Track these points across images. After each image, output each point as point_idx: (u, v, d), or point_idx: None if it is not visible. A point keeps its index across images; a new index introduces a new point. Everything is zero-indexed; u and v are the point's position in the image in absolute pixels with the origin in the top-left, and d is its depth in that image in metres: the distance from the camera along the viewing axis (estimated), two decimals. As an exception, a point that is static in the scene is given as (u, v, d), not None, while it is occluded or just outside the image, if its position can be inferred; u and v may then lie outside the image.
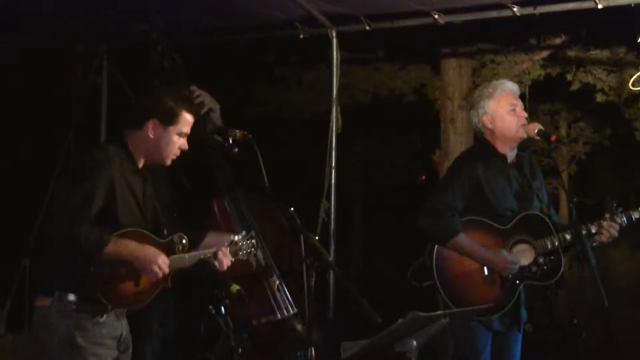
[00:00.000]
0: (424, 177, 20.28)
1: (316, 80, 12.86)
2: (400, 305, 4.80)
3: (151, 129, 4.74)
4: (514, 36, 10.73)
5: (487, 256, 5.73)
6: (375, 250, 20.38)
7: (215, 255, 4.86)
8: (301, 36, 7.61)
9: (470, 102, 6.12)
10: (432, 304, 5.71)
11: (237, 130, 5.55)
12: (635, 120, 13.51)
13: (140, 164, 4.82)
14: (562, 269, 5.82)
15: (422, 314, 4.39)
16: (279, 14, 7.34)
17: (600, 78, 11.66)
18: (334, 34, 7.60)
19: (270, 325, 5.82)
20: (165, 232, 4.79)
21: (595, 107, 13.20)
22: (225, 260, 4.89)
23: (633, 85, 10.41)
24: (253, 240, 5.07)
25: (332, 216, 7.56)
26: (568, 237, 5.74)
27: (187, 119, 4.83)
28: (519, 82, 11.04)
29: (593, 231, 5.75)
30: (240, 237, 5.03)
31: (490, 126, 5.88)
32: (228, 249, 4.94)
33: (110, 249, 4.42)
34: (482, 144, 5.98)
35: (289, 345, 5.75)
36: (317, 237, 4.94)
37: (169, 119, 4.76)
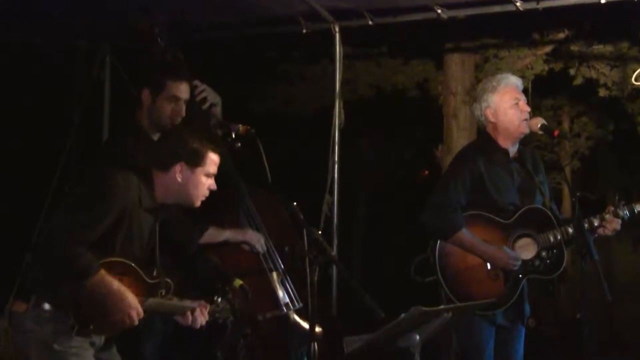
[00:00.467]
0: (426, 172, 20.26)
1: (319, 75, 12.86)
2: (403, 300, 4.81)
3: (178, 172, 4.70)
4: (517, 31, 10.72)
5: (489, 252, 5.73)
6: (378, 245, 20.38)
7: (192, 311, 4.77)
8: (304, 31, 7.61)
9: (474, 96, 6.11)
10: (435, 299, 5.71)
11: (240, 125, 5.57)
12: (638, 115, 13.49)
13: (159, 201, 4.77)
14: (564, 262, 5.83)
15: (425, 308, 4.40)
16: (281, 8, 7.34)
17: (604, 73, 11.64)
18: (336, 29, 7.59)
19: (275, 320, 5.82)
20: (155, 273, 4.70)
21: (598, 102, 13.19)
22: (200, 319, 4.79)
23: (636, 80, 10.42)
24: (232, 302, 4.99)
25: (335, 211, 7.56)
26: (571, 230, 5.74)
27: (213, 159, 4.78)
28: (522, 77, 10.93)
29: (595, 224, 5.75)
30: (221, 299, 4.95)
31: (493, 120, 5.88)
32: (207, 308, 4.85)
33: (95, 279, 4.35)
34: (484, 139, 5.98)
35: (293, 341, 5.76)
36: (320, 232, 4.93)
37: (196, 161, 4.72)
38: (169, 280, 4.71)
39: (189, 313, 4.75)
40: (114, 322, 4.48)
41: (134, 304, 4.47)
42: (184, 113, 5.55)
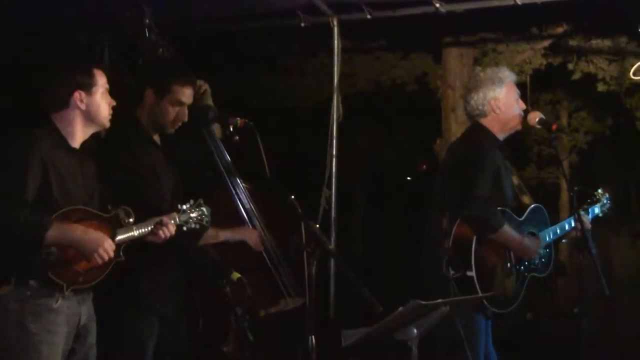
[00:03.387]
0: (425, 165, 20.27)
1: (317, 69, 12.84)
2: (401, 293, 4.81)
3: (78, 100, 4.77)
4: (515, 25, 10.72)
5: (525, 243, 5.77)
6: (376, 239, 20.39)
7: (161, 222, 4.88)
8: (302, 25, 7.60)
9: (473, 84, 6.04)
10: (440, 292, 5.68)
11: (238, 118, 5.55)
12: (636, 110, 13.51)
13: (77, 143, 4.83)
14: (553, 261, 5.88)
15: (423, 302, 4.40)
16: (280, 2, 7.34)
17: (602, 68, 11.65)
18: (335, 23, 7.60)
19: (276, 315, 5.83)
20: (109, 207, 4.80)
21: (596, 96, 13.21)
22: (170, 227, 4.91)
23: (634, 74, 10.41)
24: (203, 208, 5.06)
25: (333, 204, 7.57)
26: (559, 231, 5.83)
27: (100, 74, 4.87)
28: (521, 72, 11.06)
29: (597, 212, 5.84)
30: (187, 205, 5.04)
31: (497, 111, 5.86)
32: (176, 218, 4.95)
33: (52, 233, 4.44)
34: (484, 131, 5.95)
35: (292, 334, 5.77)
36: (318, 226, 4.93)
37: (89, 82, 4.80)
38: (126, 208, 4.80)
39: (157, 229, 4.86)
40: (92, 264, 4.60)
41: (100, 236, 4.60)
42: (186, 118, 5.54)
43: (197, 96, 5.80)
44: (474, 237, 5.63)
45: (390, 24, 8.13)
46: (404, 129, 18.61)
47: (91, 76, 4.81)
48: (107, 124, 4.90)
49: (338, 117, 7.66)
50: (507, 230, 5.66)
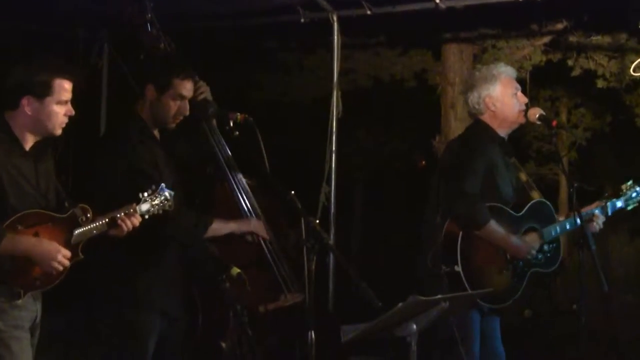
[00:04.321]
0: (424, 162, 20.25)
1: (317, 65, 12.84)
2: (400, 289, 4.81)
3: (27, 106, 4.64)
4: (515, 22, 10.70)
5: (514, 242, 5.75)
6: (376, 235, 20.39)
7: (117, 216, 4.78)
8: (302, 20, 7.60)
9: (469, 83, 6.09)
10: (433, 288, 5.69)
11: (238, 114, 5.55)
12: (636, 107, 13.52)
13: (29, 144, 4.72)
14: (561, 256, 5.85)
15: (422, 298, 4.41)
16: (280, -2, 7.35)
17: (602, 64, 11.64)
18: (335, 19, 7.60)
19: (276, 310, 5.83)
20: (66, 205, 4.74)
21: (596, 93, 13.20)
22: (131, 220, 4.81)
23: (634, 71, 10.43)
24: (166, 193, 5.00)
25: (332, 200, 7.58)
26: (568, 226, 5.80)
27: (62, 86, 4.70)
28: (520, 68, 11.03)
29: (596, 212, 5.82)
30: (148, 193, 4.93)
31: (493, 108, 5.89)
32: (137, 208, 4.85)
33: (4, 245, 4.37)
34: (483, 127, 5.97)
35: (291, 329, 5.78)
36: (317, 221, 4.93)
37: (43, 91, 4.65)
38: (82, 205, 4.71)
39: (119, 222, 4.75)
40: (47, 272, 4.52)
41: (53, 248, 4.50)
42: (188, 111, 5.52)
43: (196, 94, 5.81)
44: (460, 233, 5.66)
45: (390, 20, 8.13)
46: (403, 125, 18.59)
47: (48, 86, 4.65)
48: (57, 133, 4.74)
49: (338, 113, 7.66)
50: (493, 227, 5.67)
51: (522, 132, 5.82)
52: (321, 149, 7.69)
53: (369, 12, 7.37)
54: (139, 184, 5.06)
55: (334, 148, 7.62)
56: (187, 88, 5.47)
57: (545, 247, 5.86)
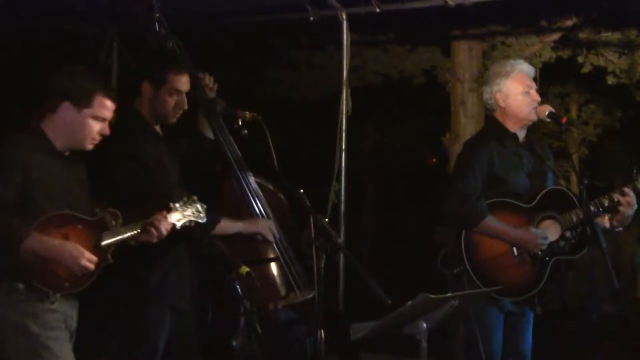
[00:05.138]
0: (434, 159, 20.24)
1: (326, 62, 12.82)
2: (410, 287, 4.81)
3: (65, 112, 4.65)
4: (524, 18, 10.69)
5: (517, 236, 5.72)
6: (386, 233, 20.39)
7: (151, 223, 4.80)
8: (311, 18, 7.59)
9: (484, 78, 6.10)
10: (443, 286, 5.69)
11: (247, 112, 5.55)
12: (646, 103, 13.47)
13: (62, 147, 4.72)
14: (589, 240, 5.78)
15: (432, 296, 4.40)
16: (289, -5, 7.35)
17: (612, 60, 11.60)
18: (344, 16, 7.59)
19: (285, 308, 5.83)
20: (97, 210, 4.72)
21: (606, 89, 13.14)
22: (163, 227, 4.83)
23: (645, 67, 10.39)
24: (198, 205, 5.03)
25: (342, 198, 7.57)
26: (593, 208, 5.74)
27: (104, 103, 4.71)
28: (530, 65, 11.01)
29: (606, 204, 5.74)
30: (180, 203, 4.97)
31: (502, 104, 5.88)
32: (167, 216, 4.87)
33: (29, 245, 4.35)
34: (493, 123, 5.98)
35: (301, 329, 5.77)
36: (326, 219, 4.93)
37: (83, 100, 4.65)
38: (112, 210, 4.71)
39: (148, 228, 4.77)
40: (72, 274, 4.50)
41: (77, 250, 4.48)
42: (186, 105, 5.52)
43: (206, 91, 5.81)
44: (463, 232, 5.69)
45: (399, 17, 8.12)
46: (412, 122, 18.58)
47: (89, 98, 4.66)
48: (87, 147, 4.76)
49: (347, 111, 7.65)
50: (490, 223, 5.67)
51: (532, 129, 5.80)
52: (331, 146, 7.68)
53: (377, 10, 7.36)
54: (144, 178, 5.07)
55: (343, 146, 7.61)
56: (182, 82, 5.46)
57: (568, 234, 5.80)
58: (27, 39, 8.80)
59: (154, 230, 4.79)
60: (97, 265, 4.58)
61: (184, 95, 5.50)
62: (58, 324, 4.59)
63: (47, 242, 4.44)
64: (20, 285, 4.44)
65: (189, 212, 4.98)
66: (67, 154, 4.76)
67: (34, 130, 4.67)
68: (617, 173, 18.28)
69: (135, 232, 4.76)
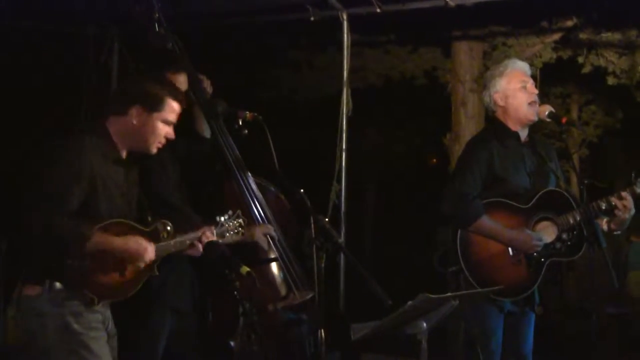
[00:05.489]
0: (435, 160, 20.27)
1: (327, 63, 12.84)
2: (411, 287, 4.81)
3: (135, 116, 4.65)
4: (525, 19, 10.71)
5: (511, 236, 5.71)
6: (386, 233, 20.40)
7: (199, 238, 4.83)
8: (312, 19, 7.60)
9: (483, 82, 6.13)
10: (444, 286, 5.70)
11: (247, 112, 5.55)
12: (646, 103, 13.48)
13: (124, 152, 4.74)
14: (585, 242, 5.78)
15: (432, 295, 4.40)
16: (290, -4, 7.36)
17: (612, 61, 11.63)
18: (344, 17, 7.60)
19: (285, 309, 5.83)
20: (149, 219, 4.76)
21: (606, 90, 13.17)
22: (211, 239, 4.85)
23: (645, 68, 10.40)
24: (240, 220, 5.05)
25: (343, 198, 7.57)
26: (584, 215, 5.73)
27: (172, 106, 4.74)
28: (530, 65, 10.97)
29: (603, 207, 5.73)
30: (225, 217, 5.00)
31: (502, 104, 5.88)
32: (214, 231, 4.91)
33: (93, 242, 4.38)
34: (494, 124, 5.98)
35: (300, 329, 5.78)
36: (327, 220, 4.93)
37: (153, 105, 4.67)
38: (164, 221, 4.74)
39: (196, 243, 4.81)
40: (130, 273, 4.56)
41: (140, 244, 4.54)
42: (184, 104, 5.52)
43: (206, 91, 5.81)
44: (458, 232, 5.70)
45: (400, 17, 8.13)
46: (413, 122, 18.61)
47: (161, 101, 4.69)
48: (152, 151, 4.77)
49: (348, 111, 7.66)
50: (485, 223, 5.68)
51: (533, 129, 5.81)
52: (332, 147, 7.69)
53: (378, 10, 7.36)
54: (143, 178, 5.07)
55: (344, 146, 7.62)
56: (179, 82, 5.45)
57: (565, 236, 5.80)
58: (27, 39, 8.81)
59: (200, 246, 4.84)
60: (144, 273, 4.65)
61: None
62: (98, 324, 4.62)
63: (112, 238, 4.49)
64: (57, 285, 4.47)
65: (232, 225, 5.02)
66: (125, 156, 4.77)
67: (101, 131, 4.69)
68: (618, 173, 18.29)
69: (184, 244, 4.82)
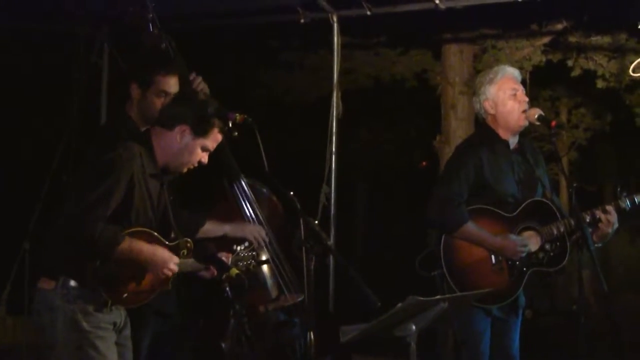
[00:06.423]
0: (424, 162, 20.27)
1: (317, 65, 12.84)
2: (400, 289, 4.81)
3: (180, 133, 4.73)
4: (515, 22, 10.72)
5: (496, 243, 5.72)
6: (376, 235, 20.40)
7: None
8: (302, 21, 7.59)
9: (473, 89, 6.13)
10: (433, 289, 5.71)
11: (238, 114, 5.54)
12: (635, 107, 13.52)
13: (160, 163, 4.80)
14: (567, 255, 5.80)
15: (421, 298, 4.40)
16: (280, -3, 7.35)
17: (601, 64, 11.65)
18: (335, 19, 7.60)
19: (275, 310, 5.83)
20: (172, 235, 4.80)
21: (596, 93, 13.21)
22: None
23: (634, 71, 10.44)
24: (254, 252, 5.10)
25: (333, 201, 7.57)
26: (574, 222, 5.74)
27: (217, 137, 4.83)
28: (520, 68, 11.00)
29: (587, 220, 5.73)
30: (243, 247, 5.10)
31: (492, 111, 5.88)
32: (230, 259, 5.00)
33: (123, 247, 4.44)
34: (484, 130, 5.98)
35: (290, 333, 5.78)
36: (317, 222, 4.94)
37: (201, 129, 4.75)
38: (186, 239, 4.81)
39: (211, 267, 4.93)
40: (146, 284, 4.61)
41: (167, 254, 4.61)
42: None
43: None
44: (443, 237, 5.71)
45: (390, 20, 8.14)
46: (403, 125, 18.62)
47: (208, 128, 4.77)
48: (182, 171, 4.86)
49: (338, 113, 7.66)
50: (469, 229, 5.68)
51: (522, 133, 5.80)
52: (322, 149, 7.68)
53: (369, 13, 7.37)
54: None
55: (334, 148, 7.62)
56: (170, 84, 5.43)
57: (547, 247, 5.81)
58: (16, 39, 8.80)
59: (215, 272, 4.93)
60: (158, 286, 4.69)
61: (172, 96, 5.48)
62: (107, 325, 4.66)
63: (141, 244, 4.55)
64: (72, 282, 4.53)
65: (246, 255, 5.13)
66: (164, 172, 4.83)
67: (146, 141, 4.77)
68: (607, 176, 18.34)
69: (200, 266, 4.93)
